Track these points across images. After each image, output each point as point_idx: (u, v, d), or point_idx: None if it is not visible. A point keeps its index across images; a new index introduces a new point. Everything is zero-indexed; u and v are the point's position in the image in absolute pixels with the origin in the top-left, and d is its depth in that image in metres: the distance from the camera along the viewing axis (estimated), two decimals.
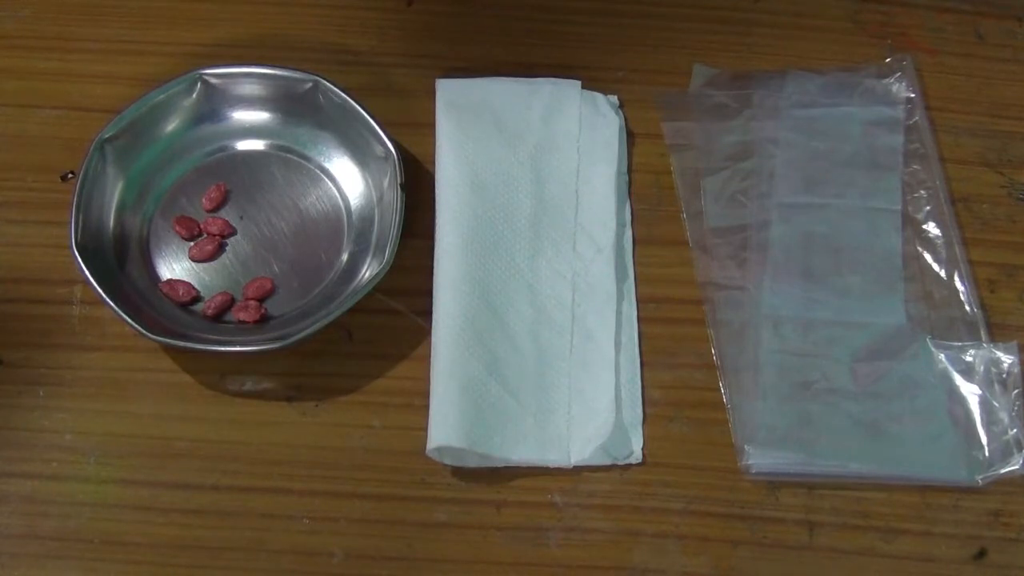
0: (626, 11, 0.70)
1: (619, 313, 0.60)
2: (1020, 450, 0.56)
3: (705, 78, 0.67)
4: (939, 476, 0.56)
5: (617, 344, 0.59)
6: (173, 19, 0.68)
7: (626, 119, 0.66)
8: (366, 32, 0.69)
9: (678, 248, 0.62)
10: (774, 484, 0.56)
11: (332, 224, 0.62)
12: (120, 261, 0.60)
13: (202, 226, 0.62)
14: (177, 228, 0.61)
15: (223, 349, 0.57)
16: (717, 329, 0.60)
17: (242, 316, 0.59)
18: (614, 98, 0.66)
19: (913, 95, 0.67)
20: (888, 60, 0.68)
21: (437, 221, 0.60)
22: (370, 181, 0.62)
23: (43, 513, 0.55)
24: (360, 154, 0.63)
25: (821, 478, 0.56)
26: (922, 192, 0.64)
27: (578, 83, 0.65)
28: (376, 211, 0.61)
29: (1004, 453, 0.56)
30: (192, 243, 0.61)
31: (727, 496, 0.56)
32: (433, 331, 0.58)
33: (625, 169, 0.64)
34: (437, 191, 0.61)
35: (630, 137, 0.65)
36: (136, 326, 0.55)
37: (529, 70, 0.66)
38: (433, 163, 0.62)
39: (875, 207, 0.63)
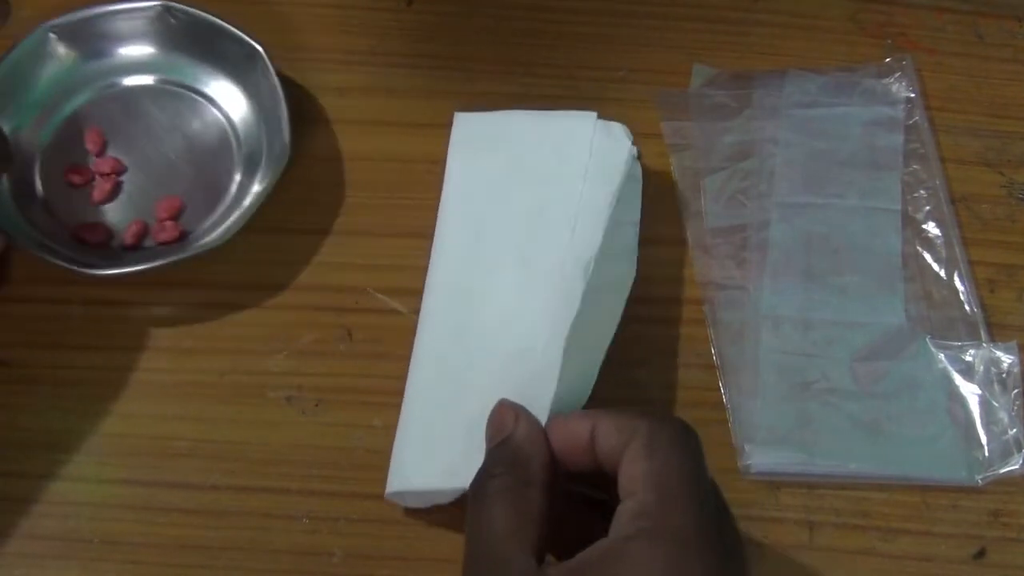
0: (626, 11, 0.70)
1: (600, 336, 0.57)
2: (1020, 450, 0.56)
3: (705, 78, 0.67)
4: (939, 476, 0.56)
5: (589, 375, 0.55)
6: None
7: (625, 120, 0.62)
8: (366, 32, 0.69)
9: (678, 248, 0.62)
10: (774, 484, 0.56)
11: (221, 145, 0.63)
12: (31, 223, 0.60)
13: (93, 169, 0.62)
14: (70, 177, 0.62)
15: (162, 262, 0.57)
16: (717, 329, 0.60)
17: (162, 237, 0.60)
18: (627, 130, 0.62)
19: (913, 95, 0.67)
20: (888, 60, 0.68)
21: (433, 250, 0.59)
22: (253, 102, 0.63)
23: (43, 513, 0.55)
24: (233, 69, 0.63)
25: (821, 478, 0.56)
26: (922, 192, 0.64)
27: (593, 115, 0.62)
28: (263, 128, 0.62)
29: (1004, 453, 0.56)
30: (90, 188, 0.62)
31: (727, 496, 0.56)
32: (410, 372, 0.56)
33: (637, 218, 0.61)
34: (439, 213, 0.60)
35: None
36: (71, 267, 0.56)
37: (529, 70, 0.66)
38: (435, 162, 0.62)
39: (875, 207, 0.63)
